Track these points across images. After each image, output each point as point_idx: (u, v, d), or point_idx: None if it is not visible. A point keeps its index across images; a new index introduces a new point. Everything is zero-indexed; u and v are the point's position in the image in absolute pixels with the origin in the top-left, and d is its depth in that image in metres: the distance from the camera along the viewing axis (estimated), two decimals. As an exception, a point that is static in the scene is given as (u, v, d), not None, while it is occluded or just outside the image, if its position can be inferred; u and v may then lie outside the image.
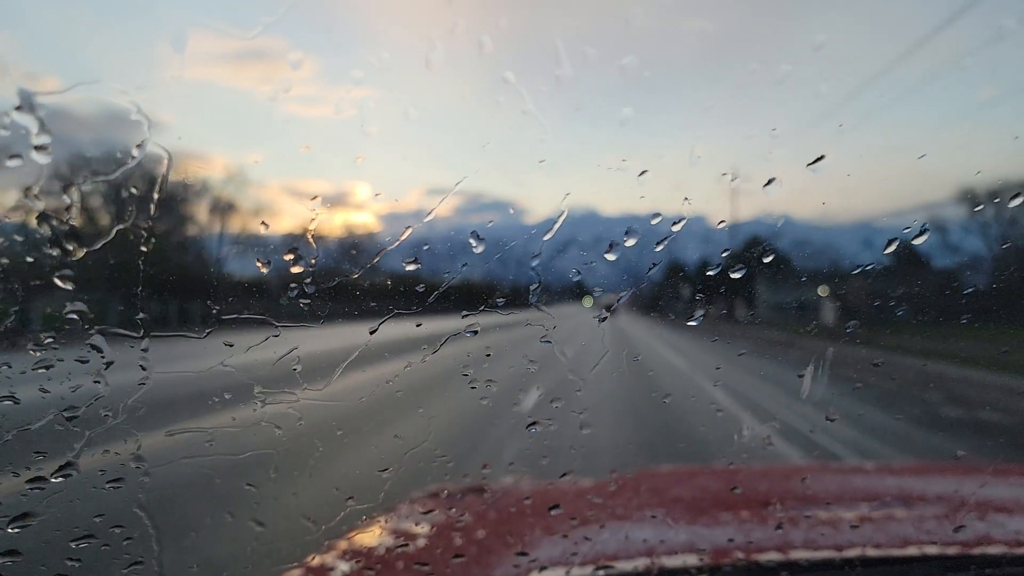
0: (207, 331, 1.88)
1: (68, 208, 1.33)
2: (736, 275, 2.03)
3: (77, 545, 1.59)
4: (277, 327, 1.83)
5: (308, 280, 1.78)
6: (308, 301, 1.82)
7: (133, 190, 1.52)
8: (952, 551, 0.87)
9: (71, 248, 1.32)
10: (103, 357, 1.42)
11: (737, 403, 10.20)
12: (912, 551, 0.87)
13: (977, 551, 0.87)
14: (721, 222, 2.93)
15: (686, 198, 1.98)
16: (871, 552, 0.86)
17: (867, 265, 2.77)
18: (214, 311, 1.85)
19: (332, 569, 1.11)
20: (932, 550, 0.87)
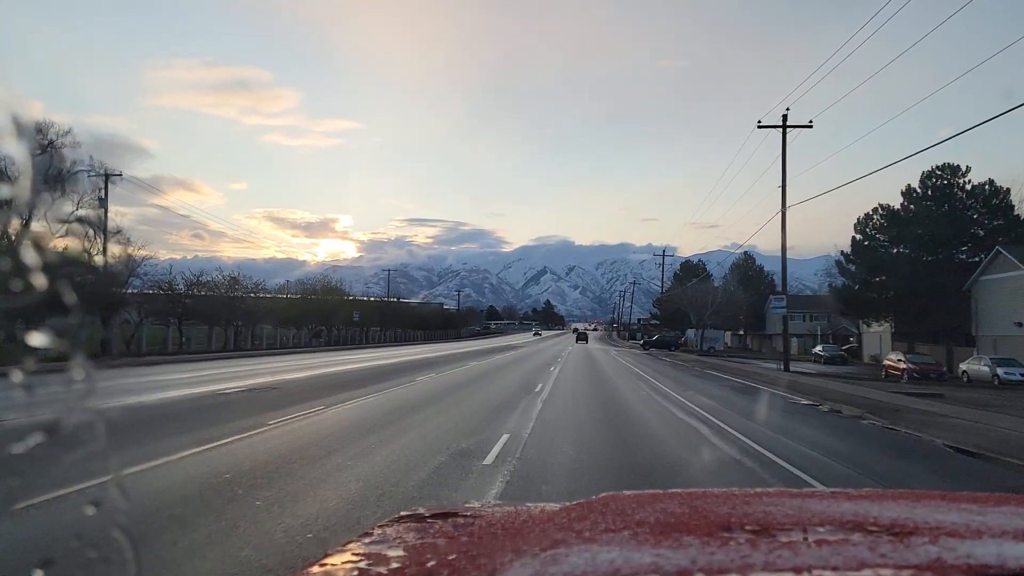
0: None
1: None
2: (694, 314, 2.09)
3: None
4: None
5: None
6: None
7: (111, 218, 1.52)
8: (906, 574, 0.91)
9: (60, 276, 1.37)
10: (89, 381, 1.46)
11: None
12: (867, 574, 0.91)
13: (929, 575, 0.91)
14: (687, 260, 3.01)
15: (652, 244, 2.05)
16: (828, 574, 0.91)
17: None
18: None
19: None
20: (886, 572, 0.91)
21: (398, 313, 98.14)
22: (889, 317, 50.65)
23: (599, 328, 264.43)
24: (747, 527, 1.18)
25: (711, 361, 47.67)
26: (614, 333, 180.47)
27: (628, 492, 1.56)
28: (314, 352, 50.99)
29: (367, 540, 1.34)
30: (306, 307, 67.72)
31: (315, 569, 1.15)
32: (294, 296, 70.41)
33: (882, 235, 50.17)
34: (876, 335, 56.38)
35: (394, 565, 1.15)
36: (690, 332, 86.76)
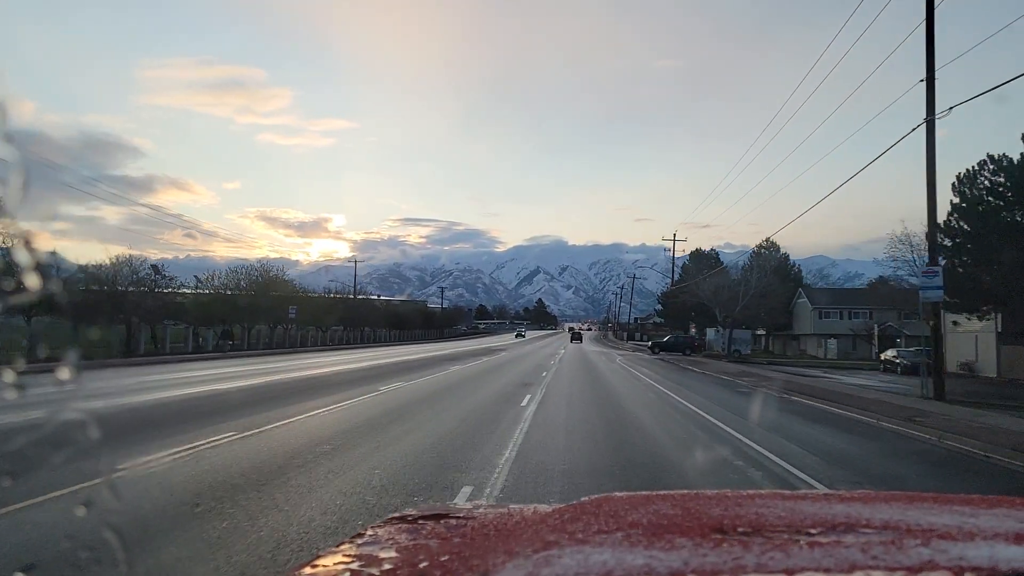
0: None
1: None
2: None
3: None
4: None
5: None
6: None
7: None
8: None
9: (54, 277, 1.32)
10: (80, 380, 1.32)
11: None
12: None
13: None
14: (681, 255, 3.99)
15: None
16: None
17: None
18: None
19: None
20: (878, 574, 0.93)
21: (366, 312, 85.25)
22: (991, 310, 37.00)
23: (593, 328, 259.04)
24: (740, 529, 1.20)
25: (764, 374, 33.39)
26: (609, 333, 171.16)
27: (621, 493, 1.61)
28: (211, 360, 38.98)
29: (359, 541, 1.38)
30: (231, 302, 54.25)
31: (306, 571, 1.19)
32: (203, 292, 56.40)
33: (996, 198, 36.23)
34: (970, 336, 42.33)
35: (386, 566, 1.20)
36: (709, 332, 73.35)
